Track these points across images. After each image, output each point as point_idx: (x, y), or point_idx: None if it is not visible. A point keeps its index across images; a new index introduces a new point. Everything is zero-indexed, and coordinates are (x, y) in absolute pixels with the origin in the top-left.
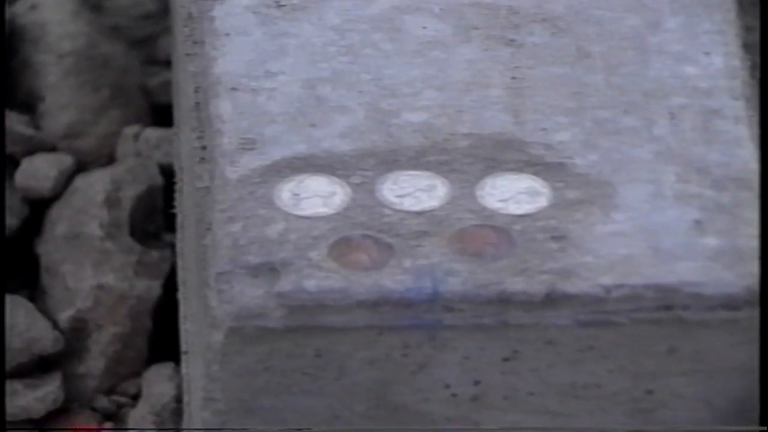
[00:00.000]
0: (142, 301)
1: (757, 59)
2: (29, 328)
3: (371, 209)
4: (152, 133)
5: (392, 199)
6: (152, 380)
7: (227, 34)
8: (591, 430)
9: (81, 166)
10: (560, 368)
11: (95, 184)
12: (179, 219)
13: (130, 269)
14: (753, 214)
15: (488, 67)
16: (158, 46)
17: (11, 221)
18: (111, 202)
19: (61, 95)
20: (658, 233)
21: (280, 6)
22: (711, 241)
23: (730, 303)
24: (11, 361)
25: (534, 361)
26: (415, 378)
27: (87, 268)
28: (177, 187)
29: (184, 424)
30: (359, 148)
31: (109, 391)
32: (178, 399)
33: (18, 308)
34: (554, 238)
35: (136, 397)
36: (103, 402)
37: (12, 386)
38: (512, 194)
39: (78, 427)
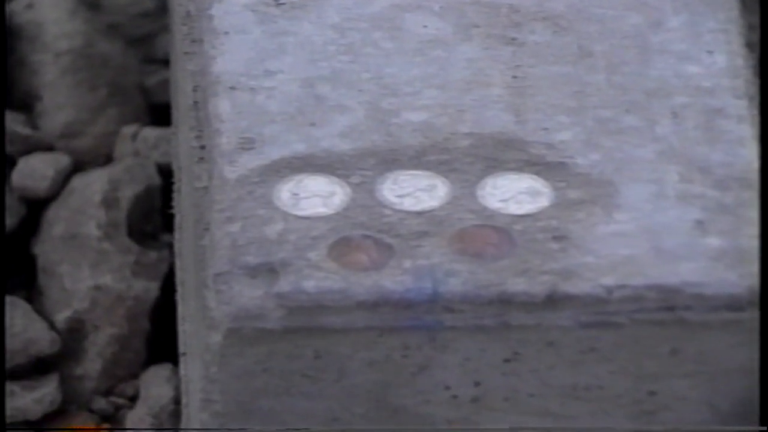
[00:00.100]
0: (140, 302)
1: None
2: (26, 329)
3: (371, 209)
4: (150, 133)
5: (392, 199)
6: (150, 382)
7: (226, 33)
8: (593, 431)
9: (78, 166)
10: (561, 369)
11: (93, 184)
12: (177, 219)
13: (128, 270)
14: (756, 214)
15: (489, 66)
16: (156, 45)
17: (8, 221)
18: (108, 202)
19: (59, 94)
20: (660, 233)
21: (279, 4)
22: (713, 242)
23: (732, 304)
24: (8, 363)
25: (535, 363)
26: (416, 379)
27: (84, 268)
28: (175, 187)
29: (183, 426)
30: (359, 148)
31: (107, 393)
32: (177, 401)
33: (15, 309)
34: (555, 239)
35: (133, 399)
36: (100, 404)
37: (9, 388)
38: (513, 194)
39: (76, 428)
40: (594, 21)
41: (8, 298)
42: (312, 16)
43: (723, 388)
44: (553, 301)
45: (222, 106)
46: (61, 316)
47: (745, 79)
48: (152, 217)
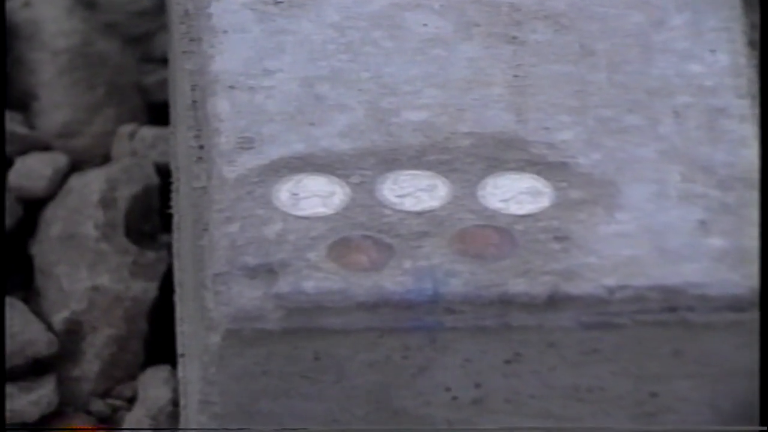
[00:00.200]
0: (138, 302)
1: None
2: (23, 330)
3: (371, 209)
4: (148, 132)
5: (392, 199)
6: (148, 383)
7: (225, 32)
8: None
9: (76, 166)
10: (563, 371)
11: (90, 183)
12: (176, 219)
13: (126, 270)
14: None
15: (490, 65)
16: (154, 44)
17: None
18: (106, 202)
19: (56, 93)
20: (662, 234)
21: (278, 3)
22: (716, 242)
23: (735, 304)
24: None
25: (536, 364)
26: (416, 381)
27: (82, 269)
28: (173, 186)
29: (181, 428)
30: (359, 148)
31: (105, 395)
32: (175, 402)
33: (12, 310)
34: (557, 239)
35: (131, 401)
36: (98, 405)
37: (6, 389)
38: (514, 194)
39: (74, 428)
40: (595, 19)
41: (5, 299)
42: (311, 14)
43: (725, 389)
44: (554, 301)
45: (221, 105)
46: (59, 317)
47: (748, 78)
48: (150, 218)
